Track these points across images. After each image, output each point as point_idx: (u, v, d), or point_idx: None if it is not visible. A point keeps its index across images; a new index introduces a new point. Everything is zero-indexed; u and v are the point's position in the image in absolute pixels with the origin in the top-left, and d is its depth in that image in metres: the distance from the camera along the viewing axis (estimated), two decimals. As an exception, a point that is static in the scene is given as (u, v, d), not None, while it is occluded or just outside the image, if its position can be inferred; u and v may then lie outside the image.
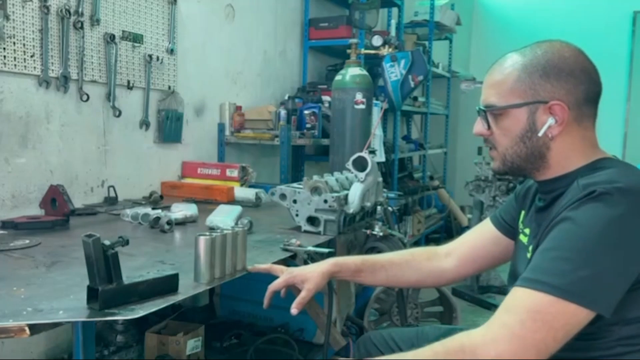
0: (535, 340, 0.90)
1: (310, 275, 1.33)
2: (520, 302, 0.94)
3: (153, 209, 2.02)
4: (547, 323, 0.91)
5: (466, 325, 1.49)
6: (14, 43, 1.98)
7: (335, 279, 1.42)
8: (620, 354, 0.99)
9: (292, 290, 1.38)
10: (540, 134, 1.09)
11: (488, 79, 1.16)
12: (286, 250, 1.60)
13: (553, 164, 1.11)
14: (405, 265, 1.40)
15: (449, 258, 1.40)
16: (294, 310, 1.29)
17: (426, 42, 5.11)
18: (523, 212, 1.27)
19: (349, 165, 1.89)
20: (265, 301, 1.36)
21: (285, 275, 1.36)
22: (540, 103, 1.08)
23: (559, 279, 0.92)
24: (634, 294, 0.96)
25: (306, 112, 3.31)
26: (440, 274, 1.40)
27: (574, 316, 0.91)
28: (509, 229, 1.32)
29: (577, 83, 1.07)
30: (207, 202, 2.44)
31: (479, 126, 1.18)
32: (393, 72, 3.15)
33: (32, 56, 2.05)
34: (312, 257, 1.61)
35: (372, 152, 2.70)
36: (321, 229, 1.83)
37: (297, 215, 1.88)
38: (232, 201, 2.46)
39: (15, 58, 1.99)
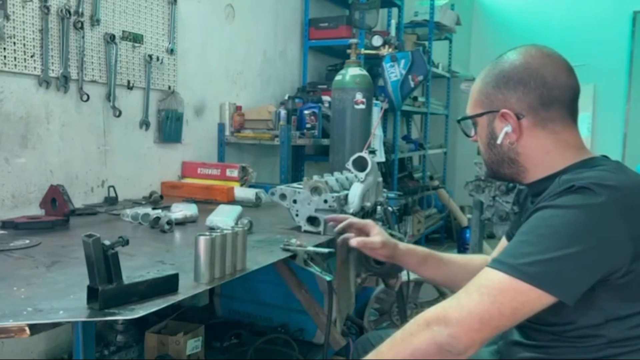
0: (479, 309, 0.95)
1: (384, 236, 1.45)
2: (476, 278, 1.00)
3: (153, 209, 2.02)
4: (493, 297, 0.95)
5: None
6: (14, 43, 1.98)
7: (394, 262, 1.47)
8: (611, 355, 1.00)
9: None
10: (498, 141, 1.15)
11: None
12: (286, 250, 1.60)
13: (530, 167, 1.15)
14: (464, 268, 1.42)
15: None
16: (353, 242, 1.44)
17: (426, 42, 5.11)
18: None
19: (349, 165, 1.89)
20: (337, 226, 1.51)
21: (368, 223, 1.49)
22: (494, 112, 1.15)
23: (516, 259, 0.96)
24: (617, 291, 0.97)
25: (306, 112, 3.31)
26: None
27: (523, 295, 0.94)
28: None
29: (526, 90, 1.11)
30: (207, 202, 2.44)
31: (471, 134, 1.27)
32: (393, 72, 3.15)
33: (32, 56, 2.05)
34: (312, 257, 1.61)
35: (372, 152, 2.70)
36: (321, 229, 1.83)
37: (297, 215, 1.88)
38: (232, 201, 2.46)
39: (15, 58, 1.99)
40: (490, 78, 1.16)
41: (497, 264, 0.98)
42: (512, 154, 1.15)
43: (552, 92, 1.10)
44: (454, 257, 1.48)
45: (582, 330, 1.01)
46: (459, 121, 1.27)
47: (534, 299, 0.94)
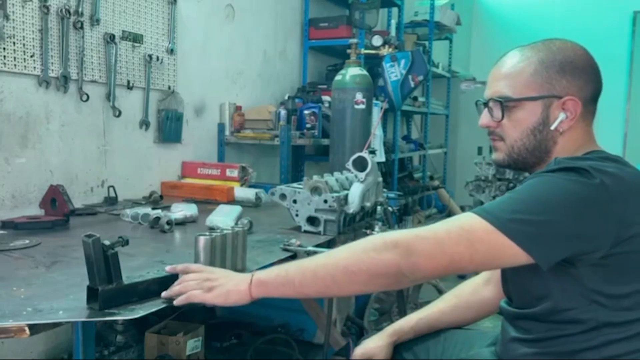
0: (452, 249, 0.96)
1: (378, 351, 1.36)
2: (459, 219, 1.02)
3: (153, 209, 2.02)
4: (470, 242, 0.96)
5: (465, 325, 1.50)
6: (14, 43, 1.98)
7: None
8: (602, 344, 1.00)
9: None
10: (552, 127, 1.12)
11: (499, 71, 1.17)
12: (286, 250, 1.60)
13: (555, 157, 1.14)
14: (456, 310, 1.40)
15: (489, 286, 1.38)
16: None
17: (426, 42, 5.11)
18: None
19: (349, 165, 1.89)
20: None
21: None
22: (555, 97, 1.11)
23: (504, 213, 0.97)
24: (599, 272, 0.98)
25: (306, 112, 3.31)
26: (486, 303, 1.38)
27: (501, 248, 0.95)
28: None
29: (588, 80, 1.12)
30: (207, 202, 2.44)
31: (486, 118, 1.19)
32: (393, 72, 3.15)
33: (32, 56, 2.05)
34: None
35: (372, 152, 2.70)
36: (321, 229, 1.83)
37: (297, 215, 1.88)
38: (232, 201, 2.46)
39: (15, 58, 1.99)
40: (552, 62, 1.11)
41: (484, 213, 0.98)
42: (551, 143, 1.13)
43: (600, 86, 1.14)
44: (440, 309, 1.42)
45: (568, 312, 1.01)
46: (499, 101, 1.14)
47: (509, 255, 0.95)
